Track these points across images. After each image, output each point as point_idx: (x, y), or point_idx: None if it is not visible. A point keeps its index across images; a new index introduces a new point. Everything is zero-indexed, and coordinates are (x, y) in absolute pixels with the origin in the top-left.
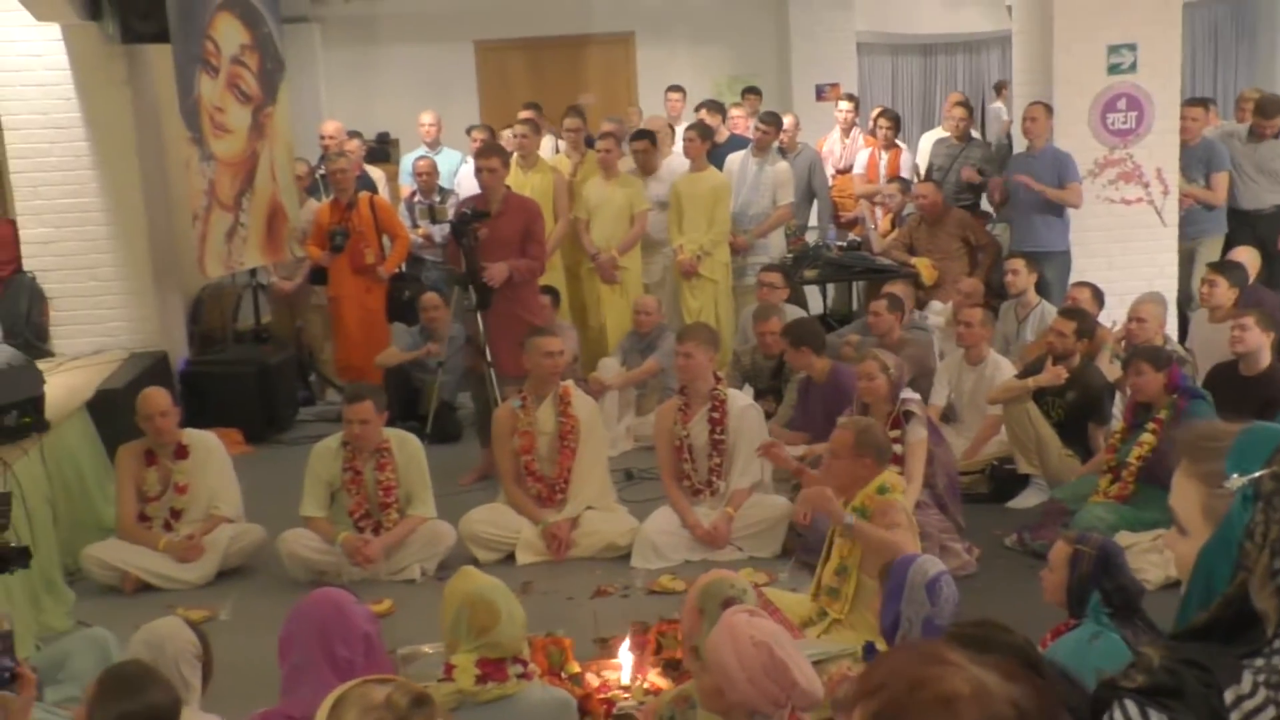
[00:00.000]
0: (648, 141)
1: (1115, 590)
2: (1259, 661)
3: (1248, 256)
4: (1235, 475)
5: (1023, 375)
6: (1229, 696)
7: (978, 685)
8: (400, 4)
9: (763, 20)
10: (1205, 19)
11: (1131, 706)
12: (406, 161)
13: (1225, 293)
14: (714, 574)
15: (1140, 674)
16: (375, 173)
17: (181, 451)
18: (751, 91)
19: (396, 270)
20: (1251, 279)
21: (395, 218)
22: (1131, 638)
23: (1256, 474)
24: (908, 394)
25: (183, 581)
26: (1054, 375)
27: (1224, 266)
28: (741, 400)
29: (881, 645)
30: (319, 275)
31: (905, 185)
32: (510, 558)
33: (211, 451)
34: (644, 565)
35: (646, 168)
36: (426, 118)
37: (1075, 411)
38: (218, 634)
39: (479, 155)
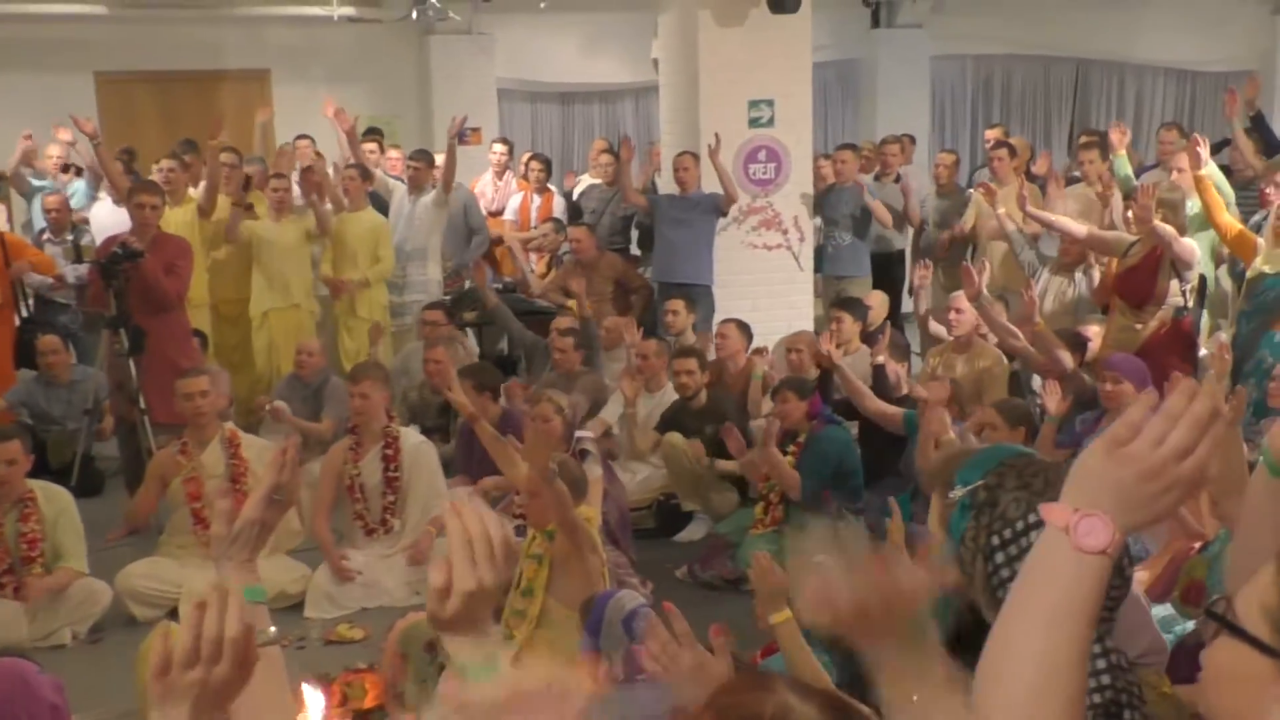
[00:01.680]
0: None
1: None
2: None
3: (877, 298)
4: (959, 487)
5: (664, 419)
6: None
7: (782, 705)
8: (12, 30)
9: (404, 62)
10: (819, 78)
11: None
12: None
13: (850, 327)
14: (413, 617)
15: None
16: None
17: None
18: (374, 133)
19: (25, 314)
20: (882, 318)
21: (28, 248)
22: (839, 656)
23: (973, 485)
24: (582, 433)
25: None
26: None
27: (847, 304)
28: (414, 437)
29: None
30: None
31: (560, 226)
32: (173, 613)
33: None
34: (319, 615)
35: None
36: (54, 149)
37: (718, 443)
38: None
39: (139, 190)
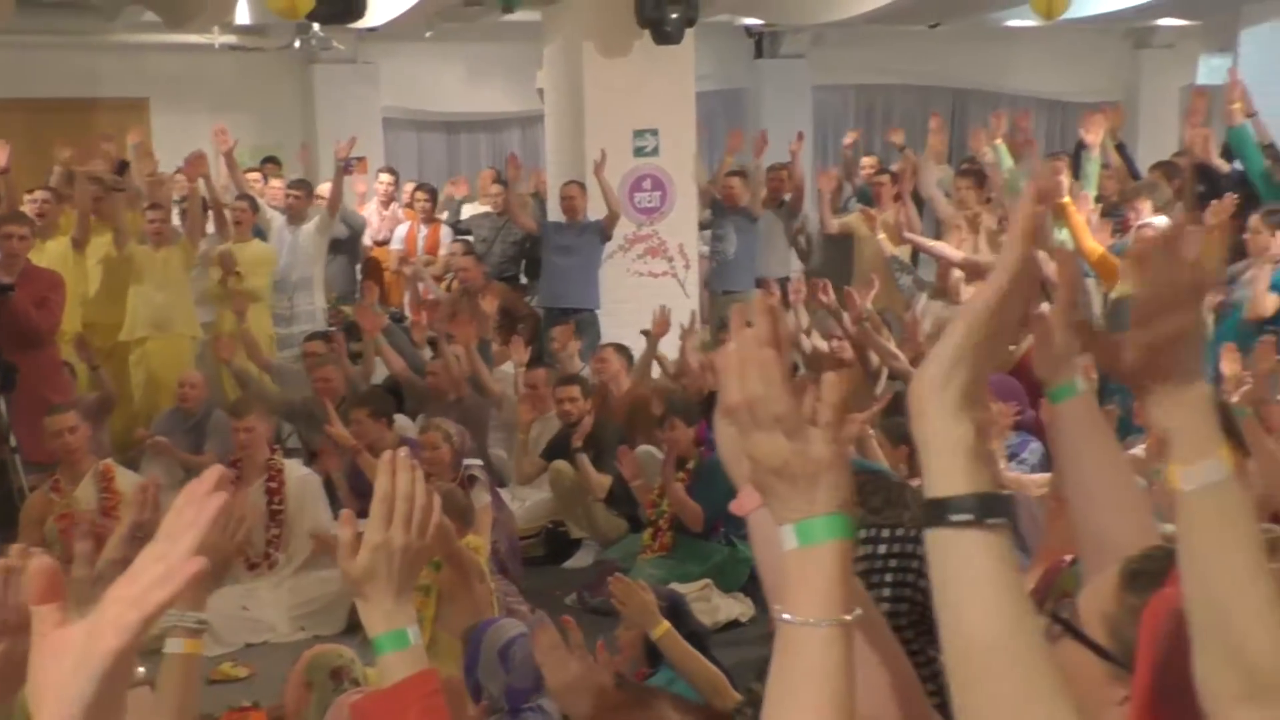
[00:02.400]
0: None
1: (688, 636)
2: None
3: None
4: None
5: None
6: None
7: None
8: None
9: (287, 91)
10: (703, 107)
11: None
12: None
13: None
14: (319, 648)
15: (750, 708)
16: None
17: None
18: (271, 161)
19: None
20: None
21: None
22: None
23: None
24: (470, 461)
25: None
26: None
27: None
28: (298, 470)
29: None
30: None
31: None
32: None
33: None
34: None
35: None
36: None
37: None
38: None
39: (6, 221)
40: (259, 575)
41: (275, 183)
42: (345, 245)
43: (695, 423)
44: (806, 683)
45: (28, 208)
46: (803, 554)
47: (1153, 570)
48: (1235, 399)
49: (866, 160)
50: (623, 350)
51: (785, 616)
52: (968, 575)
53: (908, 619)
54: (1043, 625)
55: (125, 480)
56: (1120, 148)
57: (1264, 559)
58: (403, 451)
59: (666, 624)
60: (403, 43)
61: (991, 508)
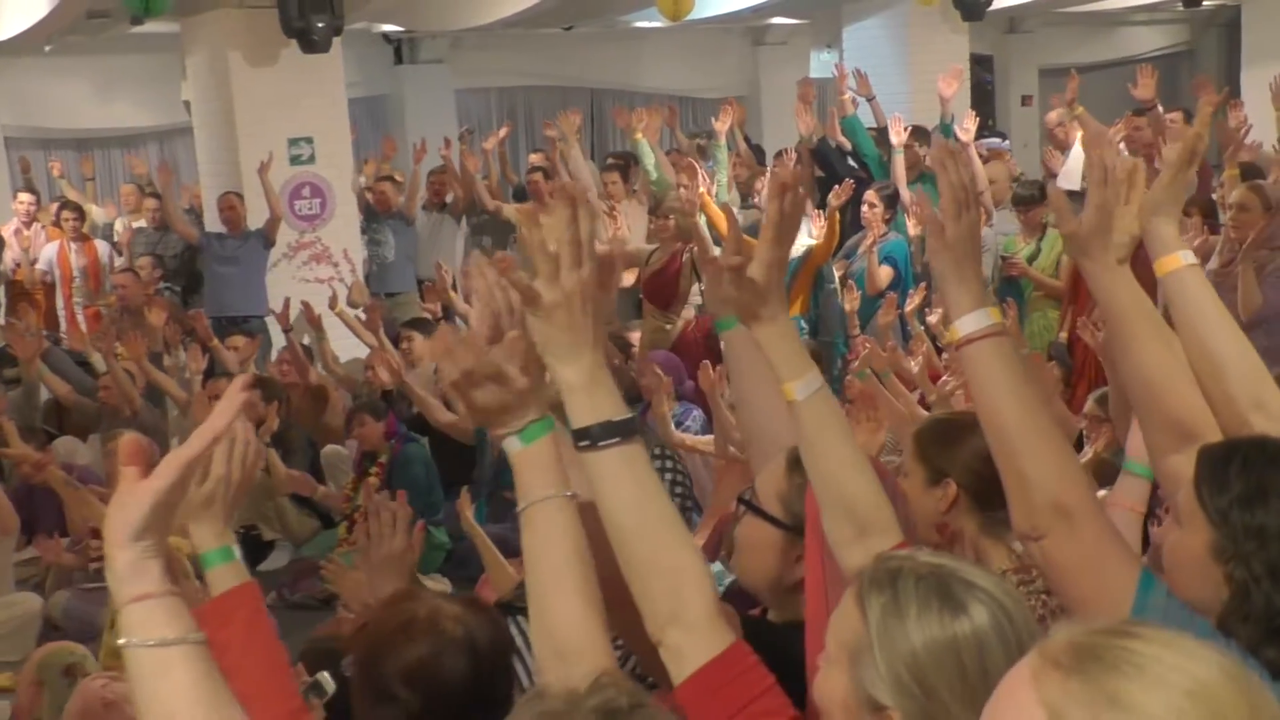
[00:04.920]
0: None
1: None
2: None
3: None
4: None
5: None
6: None
7: (433, 608)
8: None
9: None
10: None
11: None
12: None
13: (421, 346)
14: (48, 646)
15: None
16: None
17: None
18: None
19: None
20: None
21: None
22: None
23: None
24: None
25: None
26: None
27: (416, 324)
28: None
29: None
30: None
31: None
32: None
33: None
34: None
35: None
36: None
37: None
38: None
39: None
40: None
41: None
42: None
43: (383, 417)
44: (547, 545)
45: None
46: (526, 452)
47: None
48: (856, 365)
49: (534, 157)
50: (304, 350)
51: (520, 506)
52: (607, 484)
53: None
54: (666, 508)
55: None
56: (746, 138)
57: (853, 441)
58: None
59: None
60: (20, 57)
61: (609, 431)
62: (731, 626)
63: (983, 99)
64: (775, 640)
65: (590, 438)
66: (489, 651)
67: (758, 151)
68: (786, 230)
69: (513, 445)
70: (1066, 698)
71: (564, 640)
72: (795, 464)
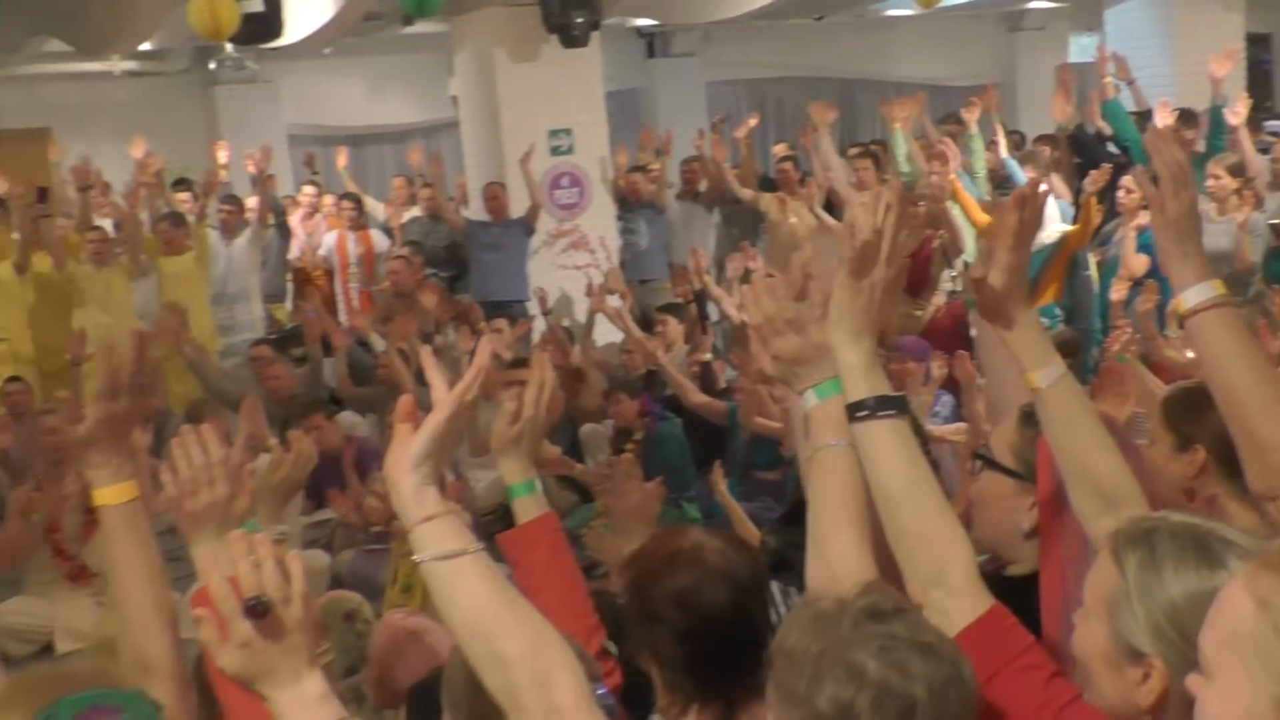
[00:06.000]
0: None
1: None
2: None
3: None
4: None
5: None
6: None
7: (696, 542)
8: None
9: (190, 113)
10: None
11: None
12: None
13: (674, 329)
14: (330, 594)
15: (765, 555)
16: None
17: None
18: (181, 183)
19: None
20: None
21: None
22: None
23: None
24: None
25: None
26: None
27: (670, 309)
28: None
29: None
30: None
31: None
32: (47, 649)
33: None
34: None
35: None
36: None
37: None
38: None
39: None
40: None
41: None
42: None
43: (639, 396)
44: (832, 483)
45: None
46: (821, 406)
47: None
48: (1116, 348)
49: (777, 148)
50: (565, 331)
51: (810, 451)
52: (879, 452)
53: None
54: (930, 478)
55: None
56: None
57: (1097, 420)
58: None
59: None
60: (302, 60)
61: (884, 404)
62: None
63: (1260, 81)
64: (1015, 594)
65: (867, 408)
66: (749, 583)
67: (1018, 139)
68: (1024, 238)
69: (809, 399)
70: (1274, 591)
71: (838, 564)
72: (1027, 418)
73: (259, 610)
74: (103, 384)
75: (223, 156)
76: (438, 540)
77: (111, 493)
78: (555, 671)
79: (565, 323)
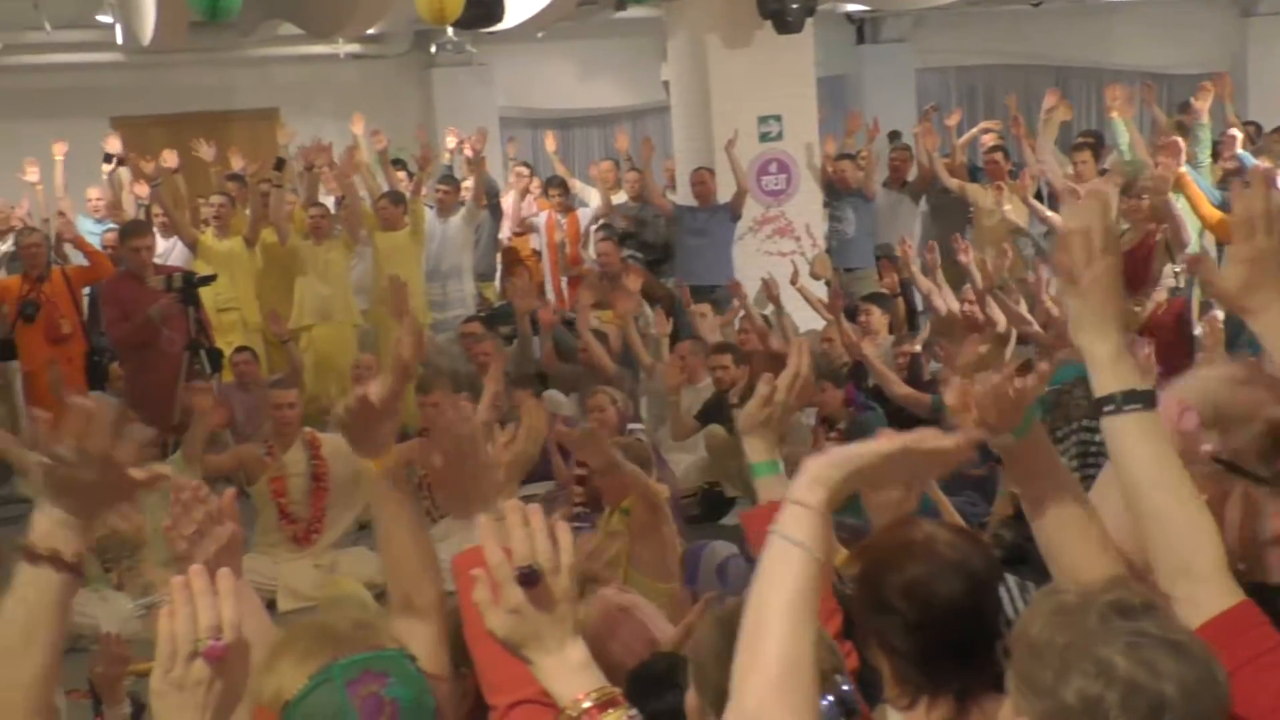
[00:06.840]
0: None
1: None
2: None
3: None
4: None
5: (704, 411)
6: None
7: (929, 534)
8: (29, 79)
9: (408, 95)
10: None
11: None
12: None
13: (878, 319)
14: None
15: (999, 549)
16: None
17: None
18: (398, 162)
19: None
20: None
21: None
22: None
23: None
24: (634, 425)
25: None
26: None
27: (875, 298)
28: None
29: None
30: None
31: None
32: (271, 605)
33: None
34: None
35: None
36: (94, 191)
37: None
38: None
39: (132, 234)
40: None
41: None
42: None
43: (843, 385)
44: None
45: (206, 211)
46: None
47: None
48: None
49: (986, 138)
50: (763, 320)
51: None
52: (1127, 445)
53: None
54: (1180, 468)
55: (330, 445)
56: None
57: None
58: None
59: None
60: (516, 43)
61: (1130, 399)
62: None
63: None
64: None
65: (1115, 403)
66: (983, 575)
67: (1253, 130)
68: (1268, 225)
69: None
70: None
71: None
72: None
73: (531, 579)
74: (395, 366)
75: (451, 142)
76: (793, 524)
77: (380, 461)
78: None
79: (767, 311)
